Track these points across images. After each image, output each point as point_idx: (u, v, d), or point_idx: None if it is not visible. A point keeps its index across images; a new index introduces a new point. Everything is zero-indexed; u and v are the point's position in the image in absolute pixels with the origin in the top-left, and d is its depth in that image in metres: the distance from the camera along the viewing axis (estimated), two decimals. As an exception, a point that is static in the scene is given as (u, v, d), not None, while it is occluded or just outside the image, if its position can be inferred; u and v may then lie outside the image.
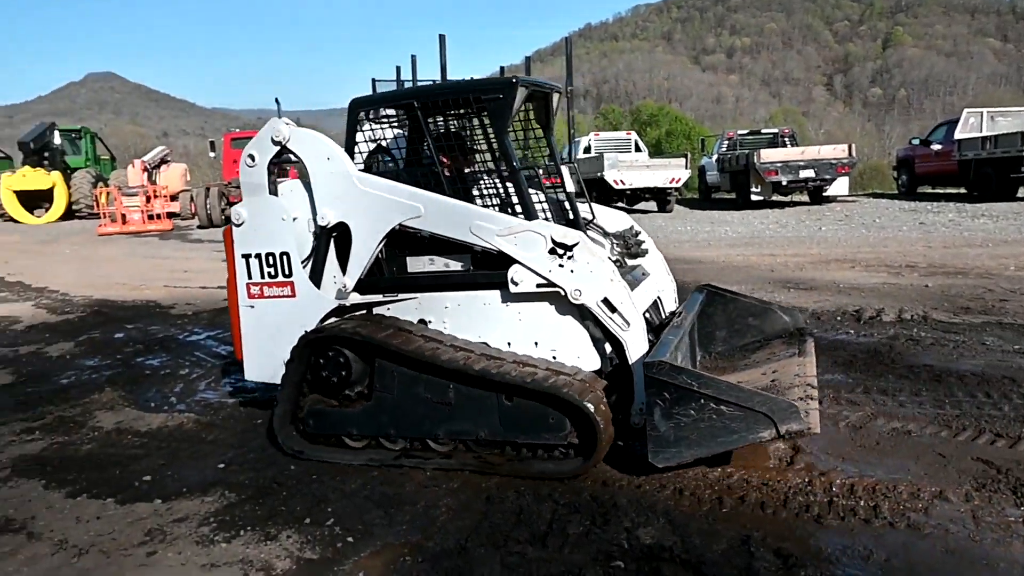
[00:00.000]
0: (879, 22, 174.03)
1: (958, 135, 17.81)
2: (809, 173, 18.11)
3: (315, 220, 4.07)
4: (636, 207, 21.13)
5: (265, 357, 4.23)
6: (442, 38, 14.59)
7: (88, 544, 3.15)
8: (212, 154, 25.02)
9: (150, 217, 20.57)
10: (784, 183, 18.27)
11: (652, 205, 20.82)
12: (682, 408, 3.24)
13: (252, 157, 4.12)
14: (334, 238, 4.13)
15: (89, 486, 3.76)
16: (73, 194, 23.66)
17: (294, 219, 4.12)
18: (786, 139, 21.73)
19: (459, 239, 3.88)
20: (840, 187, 19.13)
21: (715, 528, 3.03)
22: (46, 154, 24.13)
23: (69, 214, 23.67)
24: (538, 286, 3.76)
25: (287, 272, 4.13)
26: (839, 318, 6.63)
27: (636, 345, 3.66)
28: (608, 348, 3.76)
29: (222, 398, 5.21)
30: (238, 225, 4.16)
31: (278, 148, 4.07)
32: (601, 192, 19.41)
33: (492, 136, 4.53)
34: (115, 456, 4.18)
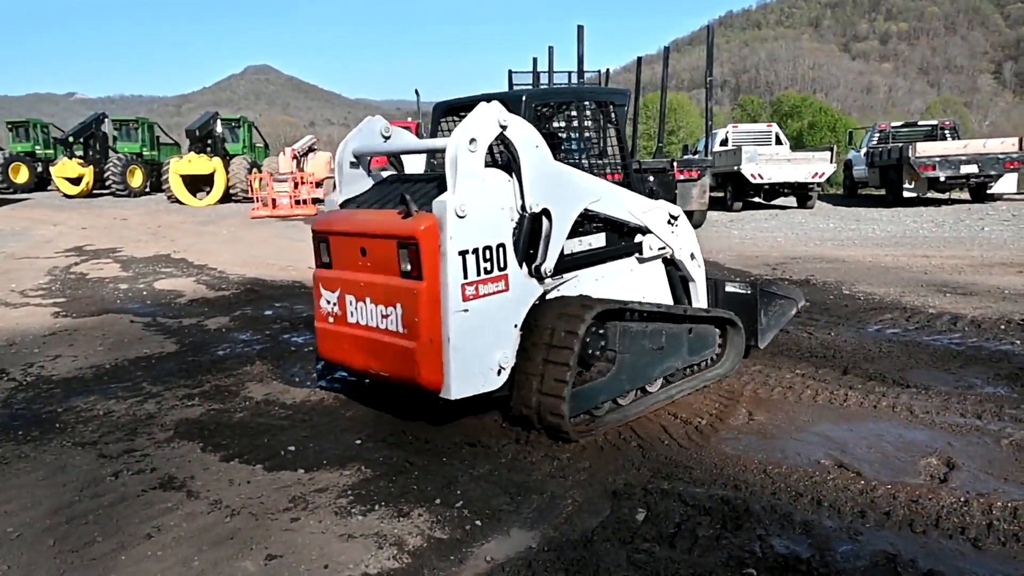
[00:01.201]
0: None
1: None
2: (971, 168, 16.70)
3: (522, 207, 3.93)
4: (774, 202, 20.27)
5: (479, 365, 3.82)
6: (580, 29, 14.58)
7: (239, 506, 3.39)
8: (355, 143, 26.14)
9: (297, 202, 21.76)
10: (942, 179, 16.95)
11: (791, 200, 19.90)
12: (771, 306, 5.34)
13: (474, 140, 3.69)
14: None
15: (241, 451, 4.04)
16: (231, 179, 25.40)
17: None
18: (946, 131, 20.18)
19: (621, 218, 4.60)
20: (1007, 184, 17.55)
21: (857, 544, 2.87)
22: (209, 141, 26.04)
23: (227, 197, 25.44)
24: (659, 249, 4.92)
25: (503, 265, 3.87)
26: (1003, 327, 6.09)
27: (703, 281, 5.23)
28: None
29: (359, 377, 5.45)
30: (461, 217, 3.67)
31: (498, 132, 3.79)
32: (737, 186, 18.74)
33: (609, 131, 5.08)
34: (264, 425, 4.46)
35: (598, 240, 4.56)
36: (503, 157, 4.07)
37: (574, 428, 3.95)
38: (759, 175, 18.03)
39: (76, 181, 26.89)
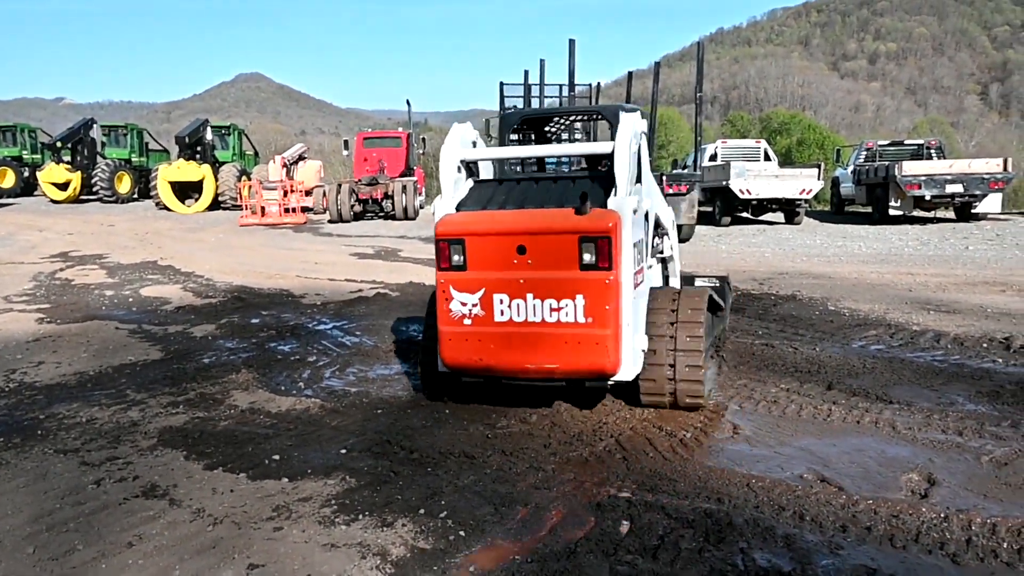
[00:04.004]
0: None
1: None
2: (957, 188, 16.91)
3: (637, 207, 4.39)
4: (762, 218, 20.40)
5: (637, 347, 4.27)
6: (572, 43, 14.66)
7: (222, 515, 3.37)
8: (346, 152, 26.20)
9: (286, 210, 21.73)
10: (927, 198, 17.13)
11: (779, 216, 20.04)
12: (725, 296, 5.96)
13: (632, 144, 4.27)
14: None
15: (224, 460, 4.02)
16: (220, 186, 25.33)
17: None
18: (932, 151, 20.39)
19: (662, 222, 5.21)
20: (992, 204, 17.73)
21: (838, 558, 2.88)
22: (198, 148, 25.95)
23: (215, 205, 25.35)
24: (668, 249, 5.58)
25: (643, 257, 4.46)
26: (985, 345, 6.15)
27: (679, 277, 5.94)
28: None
29: (346, 386, 5.44)
30: (635, 214, 4.21)
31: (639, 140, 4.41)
32: (726, 201, 18.87)
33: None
34: (248, 434, 4.44)
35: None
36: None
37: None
38: (747, 190, 18.16)
39: (63, 186, 26.74)
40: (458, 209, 4.52)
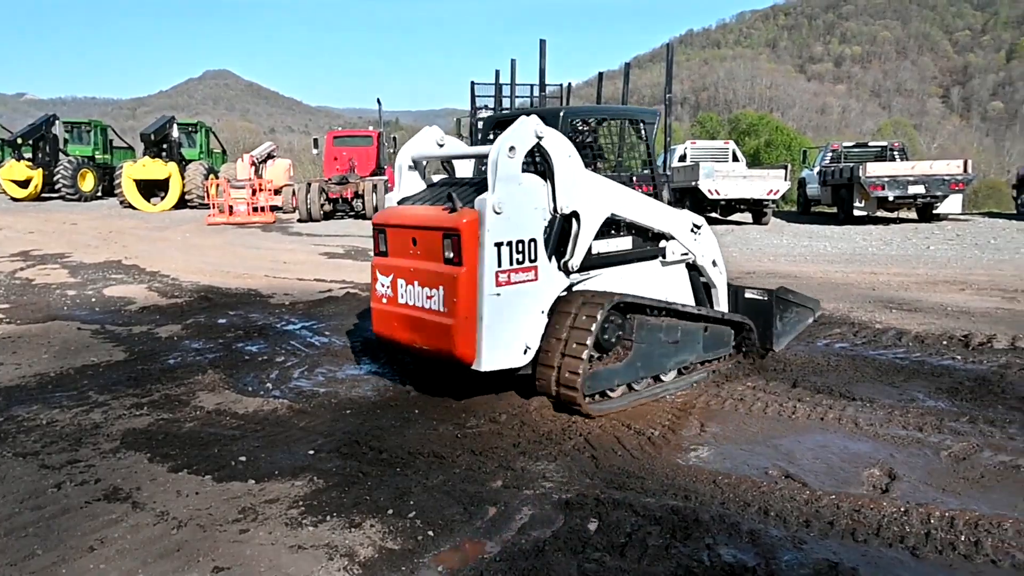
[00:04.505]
0: (1004, 32, 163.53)
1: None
2: (919, 189, 17.24)
3: (553, 208, 4.51)
4: (730, 218, 20.64)
5: (507, 343, 4.41)
6: (542, 43, 14.74)
7: (187, 517, 3.33)
8: (315, 151, 25.98)
9: (255, 209, 21.46)
10: (890, 199, 17.44)
11: (747, 216, 20.29)
12: (786, 312, 5.71)
13: (513, 148, 4.28)
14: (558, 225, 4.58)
15: (190, 462, 3.97)
16: (187, 185, 24.92)
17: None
18: (895, 152, 20.77)
19: (645, 224, 5.11)
20: (952, 205, 18.10)
21: (801, 552, 2.93)
22: (165, 146, 25.50)
23: (182, 203, 24.92)
24: (681, 255, 5.45)
25: (533, 257, 4.46)
26: (945, 342, 6.29)
27: (723, 287, 5.72)
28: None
29: (314, 387, 5.40)
30: (498, 214, 4.23)
31: (535, 143, 4.37)
32: (695, 202, 19.04)
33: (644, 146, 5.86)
34: (214, 435, 4.39)
35: (624, 243, 5.14)
36: (540, 164, 4.55)
37: (587, 403, 4.46)
38: (716, 191, 18.35)
39: (24, 184, 26.09)
40: (400, 203, 5.06)
